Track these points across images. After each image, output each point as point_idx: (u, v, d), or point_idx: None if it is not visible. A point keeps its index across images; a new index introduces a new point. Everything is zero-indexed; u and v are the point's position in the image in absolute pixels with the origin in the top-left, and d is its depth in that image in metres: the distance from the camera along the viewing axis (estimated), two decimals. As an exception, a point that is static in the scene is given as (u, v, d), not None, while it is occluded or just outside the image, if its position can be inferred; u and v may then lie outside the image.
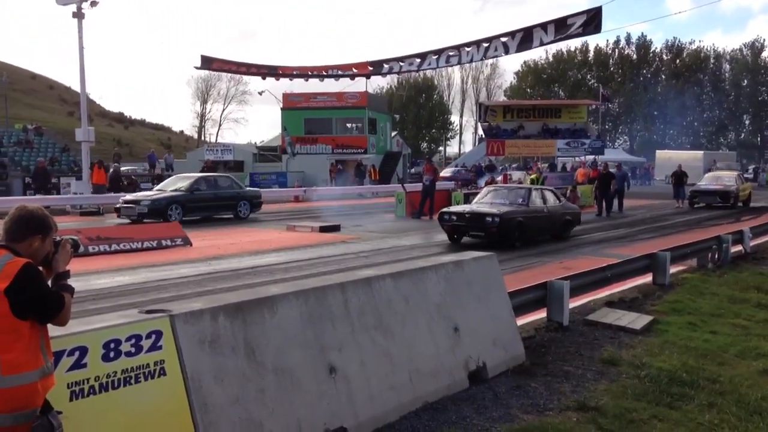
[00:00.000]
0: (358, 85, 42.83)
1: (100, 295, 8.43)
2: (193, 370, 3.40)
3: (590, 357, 5.97)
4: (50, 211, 2.65)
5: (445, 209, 14.66)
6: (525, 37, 30.33)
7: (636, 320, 7.20)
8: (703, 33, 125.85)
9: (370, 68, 37.60)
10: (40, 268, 2.63)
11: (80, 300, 6.96)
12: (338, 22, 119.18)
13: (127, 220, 17.41)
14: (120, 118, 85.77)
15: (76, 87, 41.38)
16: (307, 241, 14.38)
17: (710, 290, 9.11)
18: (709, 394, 5.07)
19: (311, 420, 3.90)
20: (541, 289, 7.00)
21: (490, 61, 70.42)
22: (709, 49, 78.72)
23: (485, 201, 14.71)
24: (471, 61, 37.54)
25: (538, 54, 79.83)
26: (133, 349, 3.19)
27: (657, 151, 57.25)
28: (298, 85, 42.86)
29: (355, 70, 37.83)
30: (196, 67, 40.06)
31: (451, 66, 47.84)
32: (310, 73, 38.61)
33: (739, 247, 12.28)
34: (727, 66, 78.84)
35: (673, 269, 9.84)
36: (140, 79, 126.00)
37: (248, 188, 22.57)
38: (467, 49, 33.00)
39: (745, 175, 35.84)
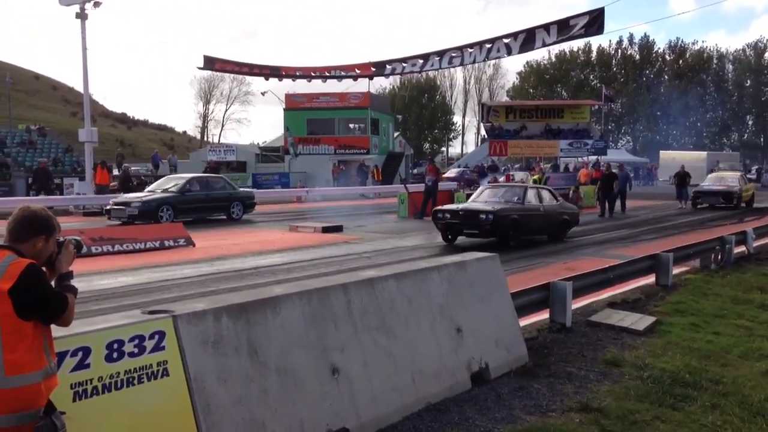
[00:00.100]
0: (361, 85, 42.87)
1: (103, 295, 8.45)
2: (196, 370, 3.40)
3: (593, 358, 5.96)
4: (53, 211, 2.66)
5: (438, 207, 14.52)
6: (527, 38, 30.30)
7: (639, 321, 7.19)
8: (706, 33, 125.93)
9: (373, 69, 37.57)
10: (44, 268, 2.63)
11: (83, 300, 6.97)
12: (337, 22, 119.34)
13: (118, 222, 17.09)
14: (123, 119, 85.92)
15: (79, 87, 41.42)
16: (310, 241, 14.39)
17: (713, 291, 9.10)
18: (712, 395, 5.06)
19: (314, 421, 3.90)
20: (543, 290, 6.99)
21: (493, 61, 70.36)
22: (712, 49, 78.74)
23: (480, 199, 14.62)
24: (474, 62, 37.50)
25: (540, 54, 79.85)
26: (136, 350, 3.19)
27: (661, 151, 57.21)
28: (301, 86, 42.85)
29: (357, 71, 37.81)
30: (199, 68, 40.05)
31: (454, 67, 47.76)
32: (312, 73, 38.61)
33: (742, 248, 12.26)
34: (730, 66, 78.73)
35: (676, 270, 9.83)
36: (143, 80, 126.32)
37: (241, 189, 22.31)
38: (470, 50, 32.98)
39: (748, 176, 35.79)
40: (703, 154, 52.10)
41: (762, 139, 78.25)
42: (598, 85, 71.15)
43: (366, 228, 17.30)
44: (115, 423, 3.06)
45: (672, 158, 48.51)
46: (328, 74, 38.61)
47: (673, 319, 7.45)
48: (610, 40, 79.57)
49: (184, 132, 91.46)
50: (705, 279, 9.97)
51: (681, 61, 77.85)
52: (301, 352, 4.00)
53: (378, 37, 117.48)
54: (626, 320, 7.20)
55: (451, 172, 41.01)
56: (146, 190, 19.93)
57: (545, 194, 14.98)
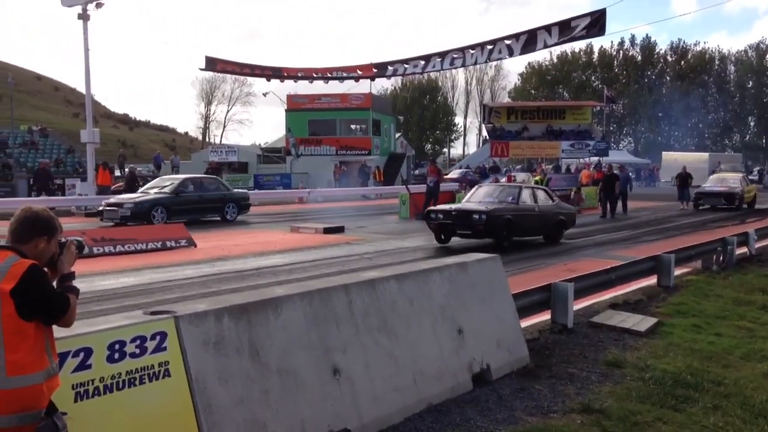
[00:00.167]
0: (363, 86, 42.90)
1: (105, 296, 8.46)
2: (197, 371, 3.40)
3: (594, 359, 5.96)
4: (55, 212, 2.66)
5: (431, 208, 14.29)
6: (529, 40, 30.33)
7: (640, 322, 7.18)
8: (708, 34, 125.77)
9: (375, 70, 37.64)
10: (46, 269, 2.64)
11: (85, 301, 6.98)
12: (339, 23, 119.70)
13: (111, 223, 16.83)
14: (125, 120, 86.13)
15: (81, 88, 41.49)
16: (311, 242, 14.40)
17: (715, 292, 9.08)
18: (713, 396, 5.06)
19: (315, 421, 3.90)
20: (545, 291, 6.99)
21: (495, 62, 70.38)
22: (714, 50, 78.66)
23: (474, 199, 14.42)
24: (475, 63, 37.57)
25: (542, 55, 79.81)
26: (137, 351, 3.19)
27: (663, 152, 57.18)
28: (303, 87, 42.98)
29: (359, 72, 37.89)
30: (201, 69, 40.14)
31: (456, 68, 47.82)
32: (314, 74, 38.68)
33: (744, 249, 12.25)
34: (732, 67, 78.65)
35: (677, 271, 9.82)
36: (145, 81, 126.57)
37: (236, 190, 21.98)
38: (471, 51, 33.02)
39: (750, 177, 35.75)
40: (706, 155, 52.05)
41: (764, 141, 78.17)
42: (600, 86, 71.12)
43: (367, 229, 17.30)
44: (116, 423, 3.06)
45: (674, 159, 48.49)
46: (329, 75, 38.68)
47: (675, 321, 7.44)
48: (611, 41, 79.66)
49: (186, 133, 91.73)
50: (707, 280, 9.96)
51: (683, 62, 77.79)
52: (303, 352, 4.00)
53: (379, 38, 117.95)
54: (628, 321, 7.19)
55: (454, 173, 40.99)
56: (139, 191, 19.64)
57: (541, 194, 14.75)
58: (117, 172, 32.40)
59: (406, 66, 36.13)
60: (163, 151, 49.21)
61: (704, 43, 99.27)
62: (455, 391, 4.91)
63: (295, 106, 44.15)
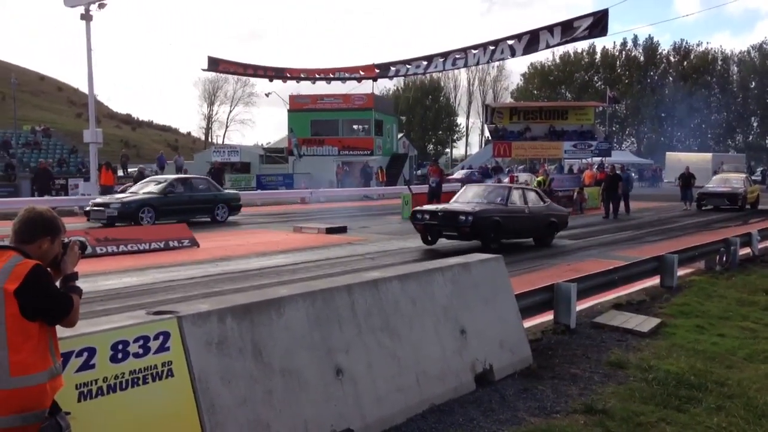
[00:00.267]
0: (365, 87, 42.89)
1: (108, 296, 8.47)
2: (200, 371, 3.41)
3: (597, 360, 5.95)
4: (58, 212, 2.66)
5: (417, 208, 13.90)
6: (531, 40, 30.30)
7: (643, 323, 7.17)
8: (711, 35, 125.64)
9: (377, 71, 37.63)
10: (49, 269, 2.64)
11: (88, 301, 6.99)
12: (337, 22, 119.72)
13: (99, 225, 16.50)
14: (128, 120, 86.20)
15: (84, 88, 41.55)
16: (314, 242, 14.40)
17: (718, 293, 9.07)
18: (717, 397, 5.05)
19: (318, 421, 3.90)
20: (548, 291, 6.98)
21: (497, 63, 70.35)
22: (716, 51, 78.54)
23: (462, 199, 14.04)
24: (477, 63, 37.53)
25: (544, 56, 79.81)
26: (141, 351, 3.19)
27: (667, 153, 57.07)
28: (305, 87, 42.94)
29: (361, 73, 37.88)
30: (203, 69, 40.16)
31: (458, 68, 47.80)
32: (317, 75, 38.70)
33: (747, 250, 12.22)
34: (735, 68, 78.52)
35: (680, 272, 9.81)
36: (147, 81, 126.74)
37: (226, 190, 21.71)
38: (473, 51, 33.01)
39: (753, 177, 35.68)
40: (709, 155, 51.98)
41: (767, 141, 77.99)
42: (603, 86, 71.11)
43: (370, 229, 17.30)
44: (119, 423, 3.06)
45: (678, 159, 48.38)
46: (332, 76, 38.69)
47: (678, 321, 7.43)
48: (614, 42, 79.59)
49: (189, 133, 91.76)
50: (710, 281, 9.94)
51: (685, 63, 77.70)
52: (306, 353, 4.00)
53: (378, 38, 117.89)
54: (631, 322, 7.18)
55: (459, 173, 40.90)
56: (128, 191, 19.30)
57: (531, 195, 14.38)
58: (120, 172, 32.47)
59: (408, 66, 36.12)
60: (166, 152, 49.25)
61: (707, 43, 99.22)
62: (458, 392, 4.91)
63: (297, 107, 44.17)
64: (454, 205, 13.69)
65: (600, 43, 78.65)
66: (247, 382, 3.62)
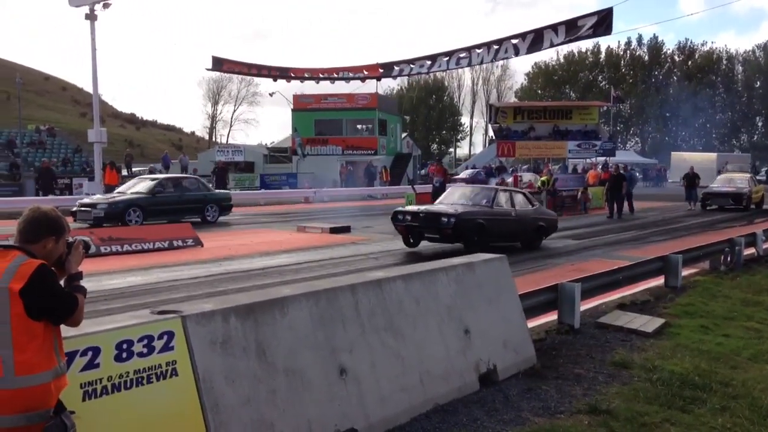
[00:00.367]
0: (369, 86, 42.94)
1: (112, 295, 8.49)
2: (204, 370, 3.41)
3: (601, 360, 5.94)
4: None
5: (399, 208, 13.39)
6: (535, 39, 30.30)
7: (648, 323, 7.15)
8: (716, 34, 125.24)
9: (381, 70, 37.68)
10: (53, 269, 2.64)
11: (92, 300, 7.00)
12: (341, 22, 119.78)
13: (85, 225, 15.89)
14: (132, 119, 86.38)
15: (88, 88, 41.68)
16: (318, 242, 14.41)
17: (723, 293, 9.04)
18: (721, 397, 5.03)
19: (322, 421, 3.90)
20: (552, 291, 6.97)
21: (501, 62, 70.28)
22: (721, 50, 78.27)
23: (447, 201, 13.61)
24: (481, 62, 37.54)
25: (549, 55, 79.64)
26: (145, 350, 3.20)
27: (672, 152, 56.95)
28: (309, 87, 43.02)
29: (365, 72, 37.93)
30: (208, 69, 40.26)
31: (462, 68, 47.83)
32: (321, 75, 38.75)
33: (751, 250, 12.18)
34: (740, 67, 78.24)
35: (685, 272, 9.77)
36: (151, 80, 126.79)
37: (217, 190, 21.35)
38: (478, 50, 33.02)
39: (757, 177, 35.56)
40: (714, 155, 51.84)
41: (772, 141, 77.75)
42: (607, 86, 70.92)
43: (373, 229, 17.29)
44: (124, 422, 3.07)
45: (683, 159, 48.24)
46: (336, 75, 38.74)
47: (683, 321, 7.41)
48: (618, 41, 79.37)
49: (193, 132, 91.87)
50: (714, 281, 9.92)
51: (690, 62, 77.44)
52: (309, 352, 4.00)
53: (382, 38, 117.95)
54: (635, 322, 7.17)
55: (465, 173, 40.74)
56: (116, 191, 19.08)
57: (519, 198, 13.93)
58: (124, 172, 32.53)
59: (412, 66, 36.16)
60: (170, 151, 49.34)
61: (712, 43, 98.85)
62: (462, 392, 4.90)
63: (301, 106, 44.21)
64: (437, 206, 13.29)
65: (604, 43, 78.64)
66: (251, 381, 3.62)
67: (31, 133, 38.71)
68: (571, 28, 29.41)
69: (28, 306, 2.42)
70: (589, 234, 16.53)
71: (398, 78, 48.76)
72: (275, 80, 41.36)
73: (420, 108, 76.97)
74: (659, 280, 9.44)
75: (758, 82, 75.68)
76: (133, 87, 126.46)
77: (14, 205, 19.97)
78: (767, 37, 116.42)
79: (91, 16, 25.41)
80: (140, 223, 16.10)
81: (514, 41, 31.30)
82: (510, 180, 29.63)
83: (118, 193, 18.26)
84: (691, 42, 78.98)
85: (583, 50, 78.63)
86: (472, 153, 75.95)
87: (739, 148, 73.60)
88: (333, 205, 27.14)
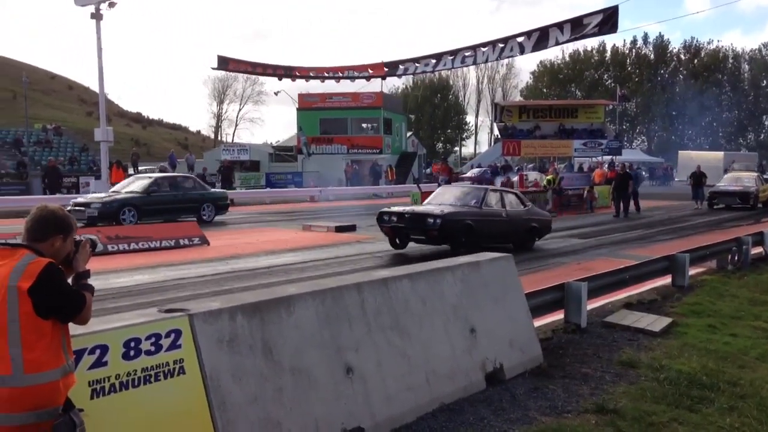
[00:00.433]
0: (374, 85, 42.92)
1: (120, 293, 8.52)
2: (211, 368, 3.42)
3: (608, 359, 5.92)
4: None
5: (384, 209, 12.93)
6: (541, 37, 30.25)
7: (655, 322, 7.13)
8: (722, 33, 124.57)
9: (386, 69, 37.68)
10: (61, 267, 2.65)
11: (100, 298, 7.02)
12: (341, 22, 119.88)
13: (80, 225, 16.10)
14: (138, 118, 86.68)
15: (94, 87, 41.82)
16: (323, 240, 14.42)
17: (730, 292, 9.00)
18: (729, 397, 5.01)
19: (328, 420, 3.90)
20: (558, 290, 6.95)
21: (506, 61, 70.19)
22: (727, 49, 77.95)
23: (435, 201, 13.26)
24: (486, 61, 37.48)
25: (554, 54, 79.52)
26: (152, 348, 3.21)
27: (679, 151, 56.77)
28: (314, 86, 43.08)
29: (370, 71, 37.93)
30: (213, 68, 40.36)
31: (467, 66, 47.73)
32: (326, 74, 38.77)
33: (759, 249, 12.11)
34: (746, 66, 77.88)
35: (692, 271, 9.74)
36: (157, 79, 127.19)
37: (213, 190, 21.16)
38: (483, 49, 32.98)
39: (765, 176, 35.37)
40: (721, 154, 51.63)
41: (779, 140, 77.40)
42: (613, 84, 70.68)
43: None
44: (132, 420, 3.08)
45: (690, 158, 48.07)
46: (341, 74, 38.76)
47: (690, 321, 7.39)
48: (624, 40, 79.09)
49: (198, 131, 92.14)
50: (722, 280, 9.88)
51: (696, 61, 77.14)
52: (315, 351, 4.00)
53: (387, 38, 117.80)
54: (642, 321, 7.14)
55: (472, 172, 40.50)
56: (111, 190, 18.89)
57: (510, 198, 13.57)
58: (130, 170, 32.62)
59: (417, 65, 36.14)
60: (177, 150, 49.45)
61: (718, 41, 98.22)
62: (468, 391, 4.89)
63: (306, 105, 44.24)
64: (423, 206, 12.97)
65: (610, 41, 78.35)
66: (258, 380, 3.62)
67: (37, 132, 38.88)
68: (576, 27, 29.35)
69: (36, 304, 2.43)
70: (595, 233, 16.48)
71: (403, 77, 48.80)
72: (280, 79, 41.43)
73: (425, 107, 76.91)
74: (666, 280, 9.41)
75: (765, 81, 75.44)
76: (138, 86, 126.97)
77: (21, 204, 20.06)
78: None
79: (97, 16, 25.50)
80: (135, 223, 15.92)
81: (520, 39, 31.25)
82: (516, 179, 29.58)
83: (113, 192, 18.06)
84: (697, 40, 78.82)
85: (589, 49, 78.58)
86: (477, 152, 75.92)
87: (745, 146, 73.31)
88: (338, 204, 27.16)
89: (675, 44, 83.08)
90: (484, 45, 32.92)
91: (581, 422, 4.47)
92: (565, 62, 79.68)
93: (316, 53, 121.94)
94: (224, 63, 39.31)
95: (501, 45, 32.11)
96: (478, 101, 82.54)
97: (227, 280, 9.56)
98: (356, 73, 38.37)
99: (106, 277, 9.34)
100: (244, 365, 3.59)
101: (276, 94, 47.81)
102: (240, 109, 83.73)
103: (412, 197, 21.65)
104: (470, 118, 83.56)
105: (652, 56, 78.65)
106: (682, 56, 78.79)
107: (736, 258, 11.10)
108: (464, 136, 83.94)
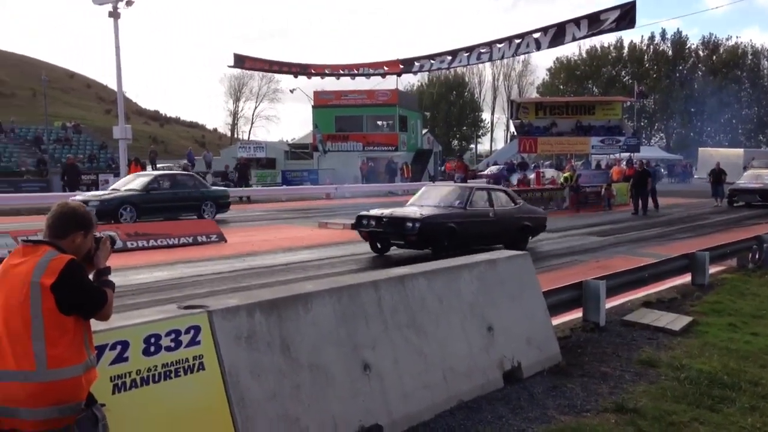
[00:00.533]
0: (389, 82, 42.91)
1: (140, 290, 8.59)
2: (230, 365, 3.43)
3: (628, 358, 5.86)
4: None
5: (363, 213, 12.20)
6: (557, 33, 29.98)
7: (675, 321, 7.05)
8: (741, 29, 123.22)
9: (401, 66, 37.54)
10: (82, 264, 2.67)
11: (120, 295, 7.04)
12: (341, 22, 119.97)
13: None
14: (155, 116, 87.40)
15: (113, 85, 42.16)
16: (339, 238, 14.43)
17: (751, 291, 8.89)
18: (751, 397, 4.94)
19: (346, 417, 3.90)
20: (576, 288, 6.90)
21: (522, 57, 69.77)
22: (746, 45, 76.87)
23: (417, 202, 12.66)
24: (502, 57, 37.29)
25: (571, 50, 78.97)
26: (172, 344, 3.23)
27: (699, 148, 56.14)
28: (329, 83, 43.10)
29: (386, 68, 37.83)
30: (230, 66, 40.50)
31: (482, 63, 47.44)
32: (341, 71, 38.76)
33: (780, 247, 11.94)
34: (766, 62, 76.79)
35: (712, 269, 9.63)
36: (174, 78, 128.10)
37: (214, 188, 20.91)
38: (498, 45, 32.75)
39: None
40: (741, 151, 50.98)
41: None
42: (630, 81, 70.04)
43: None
44: (152, 415, 3.10)
45: (710, 155, 47.50)
46: (356, 72, 38.72)
47: (710, 320, 7.30)
48: (642, 36, 78.41)
49: (215, 129, 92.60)
50: (742, 279, 9.75)
51: (715, 57, 76.18)
52: (333, 348, 4.01)
53: (404, 37, 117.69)
54: (662, 320, 7.07)
55: (490, 170, 40.11)
56: (110, 188, 18.82)
57: (499, 197, 12.95)
58: (149, 168, 32.90)
59: (432, 62, 35.97)
60: (194, 148, 49.77)
61: (737, 37, 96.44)
62: (486, 389, 4.87)
63: (321, 103, 44.31)
64: (404, 209, 12.29)
65: (627, 37, 77.73)
66: (276, 376, 3.64)
67: (57, 130, 39.34)
68: (593, 22, 29.06)
69: (59, 301, 2.45)
70: (613, 231, 16.34)
71: (418, 74, 48.62)
72: (296, 77, 41.44)
73: (440, 104, 76.73)
74: (686, 278, 9.30)
75: (785, 77, 74.27)
76: (156, 84, 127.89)
77: (42, 201, 20.28)
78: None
79: (114, 14, 25.71)
80: (133, 221, 15.73)
81: (536, 35, 30.98)
82: (532, 176, 29.42)
83: (113, 189, 17.94)
84: (715, 37, 77.94)
85: (606, 45, 77.95)
86: (493, 149, 75.60)
87: (765, 143, 72.30)
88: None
89: (693, 40, 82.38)
90: (499, 41, 32.70)
91: (601, 421, 4.44)
92: (582, 58, 79.09)
93: (333, 53, 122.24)
94: (240, 61, 39.42)
95: (517, 41, 31.86)
96: (494, 98, 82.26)
97: (244, 277, 9.61)
98: (371, 70, 38.31)
99: (126, 274, 9.43)
100: (263, 362, 3.60)
101: (292, 91, 48.05)
102: (256, 107, 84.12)
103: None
104: (486, 115, 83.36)
105: (670, 52, 77.80)
106: (701, 52, 77.91)
107: (756, 256, 10.95)
108: (480, 133, 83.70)
